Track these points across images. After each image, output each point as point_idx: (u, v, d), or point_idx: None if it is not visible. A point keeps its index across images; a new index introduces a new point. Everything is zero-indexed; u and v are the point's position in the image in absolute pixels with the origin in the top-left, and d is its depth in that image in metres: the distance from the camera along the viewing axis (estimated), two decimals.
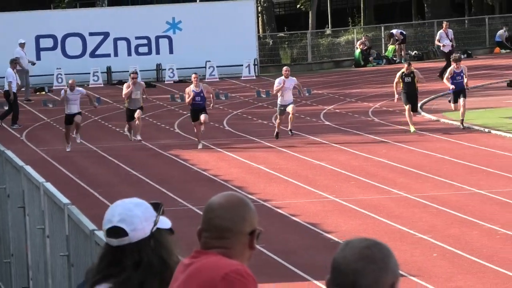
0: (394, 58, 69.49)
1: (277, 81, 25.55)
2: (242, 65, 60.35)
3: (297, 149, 39.56)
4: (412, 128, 30.11)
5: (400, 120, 45.37)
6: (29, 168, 16.10)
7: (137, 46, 62.39)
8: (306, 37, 71.43)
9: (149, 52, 58.78)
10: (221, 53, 60.87)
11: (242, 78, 61.51)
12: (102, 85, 60.76)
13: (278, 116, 26.18)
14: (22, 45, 54.29)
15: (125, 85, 24.62)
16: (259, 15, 64.73)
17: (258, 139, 40.56)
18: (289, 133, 26.46)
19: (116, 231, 4.89)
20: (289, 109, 25.22)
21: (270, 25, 68.45)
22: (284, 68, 25.57)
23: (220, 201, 4.60)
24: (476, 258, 22.39)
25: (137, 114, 24.35)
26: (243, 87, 59.06)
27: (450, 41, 58.48)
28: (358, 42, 67.76)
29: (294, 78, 25.13)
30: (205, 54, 59.41)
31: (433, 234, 24.63)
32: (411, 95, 29.33)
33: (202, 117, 25.02)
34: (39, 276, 12.62)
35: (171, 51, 59.97)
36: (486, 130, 38.95)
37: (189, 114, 26.46)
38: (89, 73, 54.96)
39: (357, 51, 66.40)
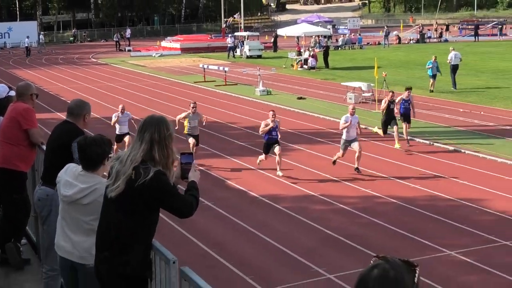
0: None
1: (343, 118, 20.17)
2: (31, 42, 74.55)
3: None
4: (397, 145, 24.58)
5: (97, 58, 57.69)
6: None
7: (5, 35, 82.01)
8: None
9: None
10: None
11: (33, 47, 75.41)
12: None
13: (341, 151, 20.47)
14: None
15: (184, 113, 20.83)
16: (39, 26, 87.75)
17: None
18: (357, 171, 20.87)
19: None
20: (355, 147, 20.08)
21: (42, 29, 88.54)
22: (350, 106, 20.83)
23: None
24: None
25: (192, 142, 20.31)
26: (35, 49, 75.75)
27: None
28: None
29: (357, 116, 20.49)
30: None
31: None
32: (392, 118, 24.42)
33: (277, 149, 19.68)
34: None
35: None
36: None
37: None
38: None
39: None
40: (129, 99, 33.07)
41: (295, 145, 23.56)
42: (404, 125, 23.54)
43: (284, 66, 50.14)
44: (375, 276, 2.97)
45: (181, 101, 31.95)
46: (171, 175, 5.41)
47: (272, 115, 18.34)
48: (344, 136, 18.83)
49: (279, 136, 18.76)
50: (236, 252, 13.89)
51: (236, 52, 58.30)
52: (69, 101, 8.55)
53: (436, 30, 76.39)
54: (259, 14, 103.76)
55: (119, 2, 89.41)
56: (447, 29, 78.01)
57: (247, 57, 56.70)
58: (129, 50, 66.82)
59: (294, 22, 74.04)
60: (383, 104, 22.71)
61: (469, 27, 78.23)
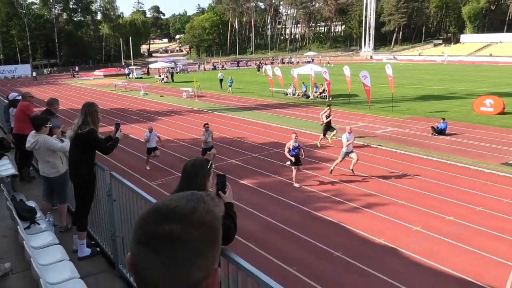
0: None
1: (344, 137, 13.72)
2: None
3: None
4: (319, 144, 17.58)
5: (62, 81, 59.85)
6: None
7: None
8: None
9: None
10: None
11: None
12: None
13: (340, 159, 13.80)
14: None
15: (202, 133, 14.44)
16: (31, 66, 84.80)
17: None
18: (352, 172, 13.78)
19: None
20: (353, 156, 13.57)
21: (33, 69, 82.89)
22: (348, 127, 13.88)
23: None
24: None
25: (212, 151, 14.16)
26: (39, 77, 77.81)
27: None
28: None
29: (353, 134, 13.94)
30: None
31: None
32: (330, 126, 17.42)
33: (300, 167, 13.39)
34: None
35: None
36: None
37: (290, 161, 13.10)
38: None
39: None
40: (77, 98, 39.04)
41: (160, 117, 26.84)
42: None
43: (154, 81, 56.49)
44: (191, 163, 3.20)
45: (103, 99, 37.89)
46: (98, 130, 5.73)
47: (295, 137, 13.42)
48: (344, 149, 14.08)
49: (302, 154, 13.33)
50: (135, 166, 15.50)
51: (130, 76, 67.35)
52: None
53: (221, 63, 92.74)
54: (140, 58, 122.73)
55: (72, 54, 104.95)
56: (225, 63, 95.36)
57: (135, 78, 65.35)
58: (78, 77, 75.59)
59: (156, 61, 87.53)
60: (325, 120, 18.00)
61: (235, 62, 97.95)
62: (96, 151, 6.09)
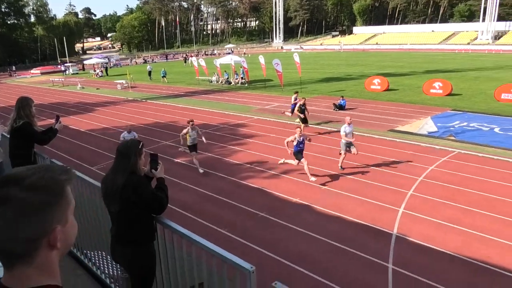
0: None
1: (342, 129, 11.12)
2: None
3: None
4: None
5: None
6: None
7: None
8: None
9: None
10: None
11: None
12: None
13: (344, 153, 11.24)
14: None
15: (184, 130, 11.53)
16: None
17: None
18: (340, 168, 11.49)
19: None
20: (354, 150, 10.97)
21: None
22: (348, 118, 11.11)
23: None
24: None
25: (195, 155, 11.69)
26: None
27: None
28: None
29: (352, 125, 11.29)
30: None
31: None
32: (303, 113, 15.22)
33: (303, 159, 10.46)
34: None
35: None
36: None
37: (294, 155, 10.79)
38: None
39: None
40: (16, 95, 32.61)
41: (97, 108, 24.75)
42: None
43: (90, 76, 51.35)
44: (123, 144, 3.04)
45: (42, 95, 34.26)
46: (34, 123, 5.20)
47: (299, 132, 11.02)
48: (343, 140, 11.61)
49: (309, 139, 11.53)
50: (75, 153, 13.99)
51: (66, 72, 60.49)
52: None
53: (151, 57, 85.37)
54: (75, 55, 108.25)
55: (7, 54, 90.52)
56: (155, 57, 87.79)
57: (72, 74, 58.89)
58: (15, 76, 66.08)
59: (91, 58, 78.39)
60: (297, 109, 15.79)
61: (163, 55, 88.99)
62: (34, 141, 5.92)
